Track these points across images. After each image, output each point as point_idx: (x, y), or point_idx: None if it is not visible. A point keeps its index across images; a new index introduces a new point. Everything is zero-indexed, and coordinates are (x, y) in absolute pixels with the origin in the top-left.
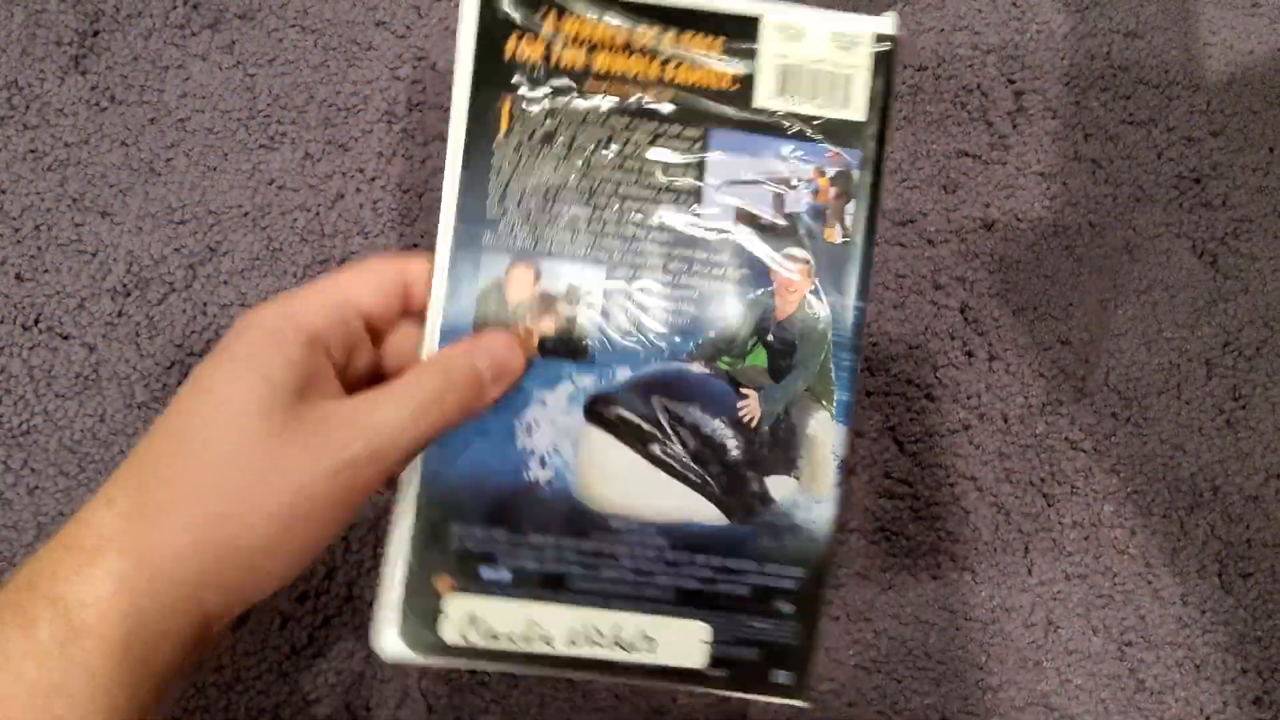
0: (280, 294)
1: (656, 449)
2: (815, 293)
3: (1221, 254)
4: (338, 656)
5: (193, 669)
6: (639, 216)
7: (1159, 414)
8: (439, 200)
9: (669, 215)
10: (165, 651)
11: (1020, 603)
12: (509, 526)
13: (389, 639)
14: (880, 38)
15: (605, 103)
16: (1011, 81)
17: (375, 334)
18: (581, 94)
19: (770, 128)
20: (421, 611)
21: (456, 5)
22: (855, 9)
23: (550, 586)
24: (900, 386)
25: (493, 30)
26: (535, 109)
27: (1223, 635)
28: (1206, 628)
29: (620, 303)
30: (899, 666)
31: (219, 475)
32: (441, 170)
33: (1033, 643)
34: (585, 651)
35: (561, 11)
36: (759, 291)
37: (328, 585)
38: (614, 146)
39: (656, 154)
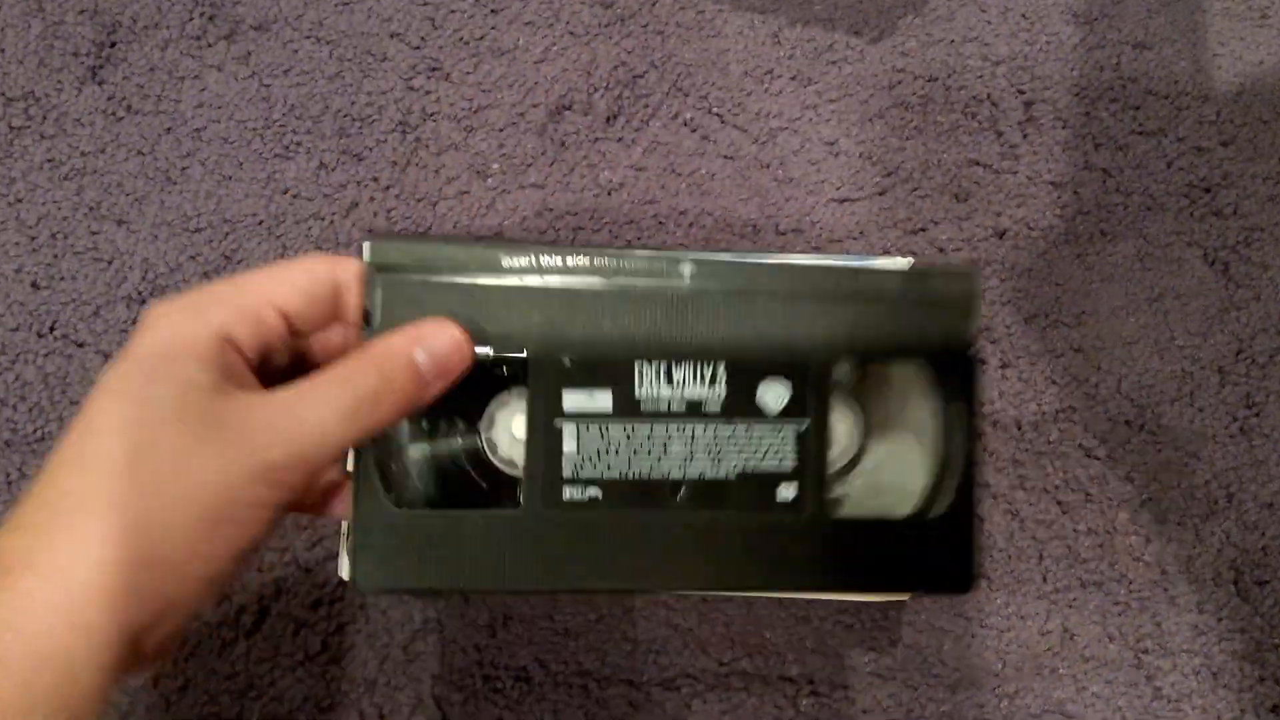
0: (188, 291)
1: None
2: None
3: (1233, 262)
4: (351, 663)
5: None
6: None
7: (1172, 421)
8: (452, 209)
9: None
10: (82, 677)
11: (1035, 610)
12: None
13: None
14: None
15: None
16: (1021, 92)
17: (300, 335)
18: None
19: None
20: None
21: (471, 16)
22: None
23: None
24: None
25: None
26: None
27: (1239, 643)
28: (1223, 635)
29: None
30: (914, 674)
31: (131, 481)
32: (455, 179)
33: (1049, 650)
34: None
35: None
36: None
37: (341, 592)
38: None
39: None
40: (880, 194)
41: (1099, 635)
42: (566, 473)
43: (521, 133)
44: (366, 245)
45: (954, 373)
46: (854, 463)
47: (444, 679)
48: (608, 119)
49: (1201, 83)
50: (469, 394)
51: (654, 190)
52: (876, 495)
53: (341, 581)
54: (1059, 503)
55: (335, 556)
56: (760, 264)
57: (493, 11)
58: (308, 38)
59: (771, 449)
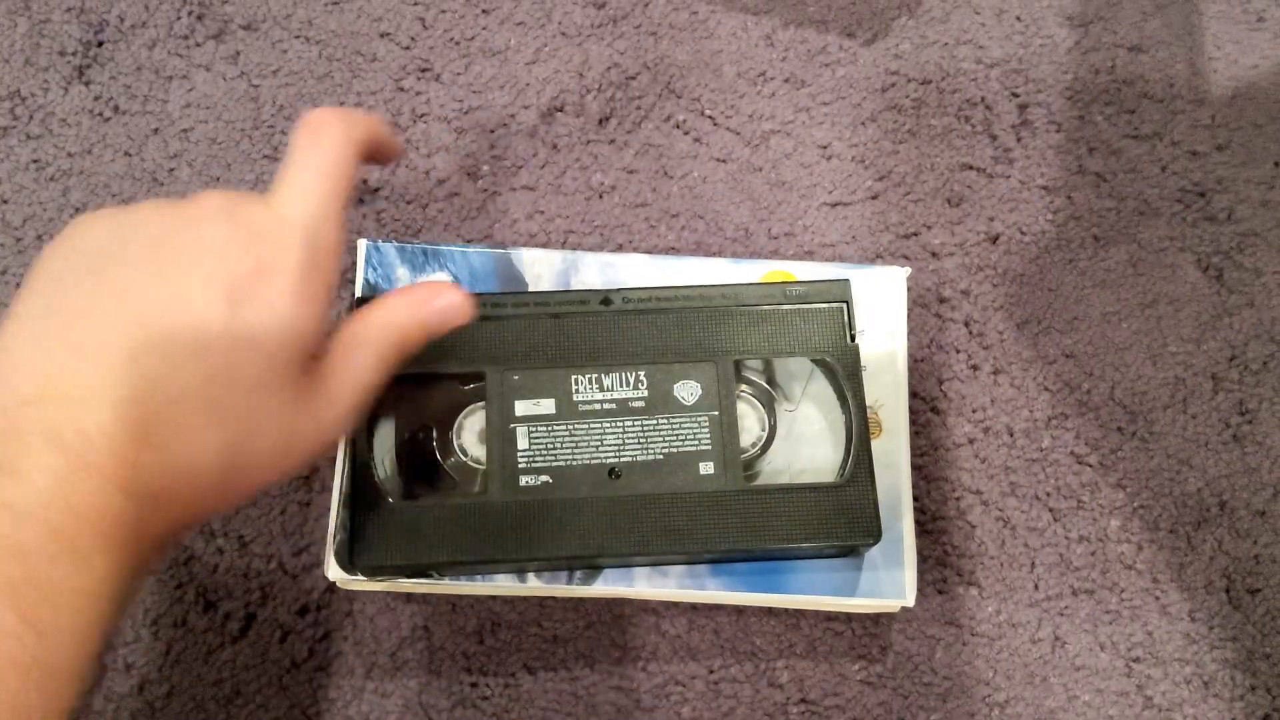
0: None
1: None
2: None
3: (1227, 268)
4: (339, 670)
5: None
6: None
7: (1165, 428)
8: (443, 211)
9: None
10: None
11: (1027, 618)
12: None
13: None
14: None
15: None
16: (1015, 95)
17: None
18: None
19: None
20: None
21: (462, 16)
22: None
23: None
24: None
25: None
26: None
27: (1231, 651)
28: (1215, 644)
29: None
30: (905, 682)
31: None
32: (445, 180)
33: (1039, 658)
34: None
35: None
36: None
37: (329, 599)
38: None
39: None
40: (873, 198)
41: (1090, 644)
42: (522, 464)
43: (513, 134)
44: (361, 244)
45: (843, 364)
46: (768, 443)
47: (432, 686)
48: (600, 121)
49: (1197, 86)
50: (442, 408)
51: (646, 193)
52: (793, 468)
53: (329, 588)
54: (1051, 510)
55: (322, 564)
56: (674, 287)
57: (484, 12)
58: (297, 37)
59: (690, 434)
